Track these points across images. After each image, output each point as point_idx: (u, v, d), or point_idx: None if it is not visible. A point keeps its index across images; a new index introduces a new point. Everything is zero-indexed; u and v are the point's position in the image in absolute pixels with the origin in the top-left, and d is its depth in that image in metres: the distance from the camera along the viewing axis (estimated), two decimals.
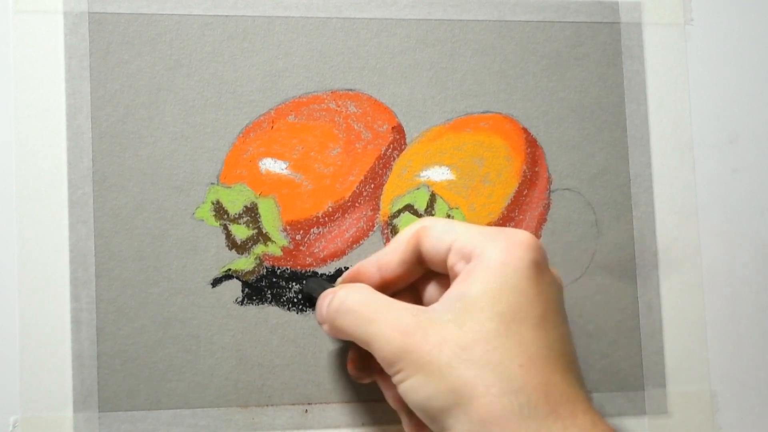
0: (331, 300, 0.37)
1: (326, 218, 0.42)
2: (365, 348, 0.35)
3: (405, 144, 0.43)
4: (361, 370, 0.39)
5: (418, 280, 0.39)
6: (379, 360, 0.35)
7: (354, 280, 0.39)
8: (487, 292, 0.33)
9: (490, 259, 0.34)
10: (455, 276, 0.35)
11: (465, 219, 0.43)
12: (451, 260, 0.35)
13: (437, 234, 0.36)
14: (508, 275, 0.33)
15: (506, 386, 0.31)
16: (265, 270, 0.42)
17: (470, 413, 0.31)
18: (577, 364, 0.34)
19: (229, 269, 0.42)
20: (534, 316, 0.33)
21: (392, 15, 0.44)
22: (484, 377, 0.31)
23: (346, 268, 0.42)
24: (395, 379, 0.34)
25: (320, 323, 0.38)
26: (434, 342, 0.32)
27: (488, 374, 0.31)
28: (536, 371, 0.32)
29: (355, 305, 0.35)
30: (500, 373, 0.31)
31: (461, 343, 0.32)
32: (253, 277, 0.42)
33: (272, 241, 0.42)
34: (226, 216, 0.42)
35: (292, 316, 0.42)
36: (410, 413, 0.36)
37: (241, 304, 0.41)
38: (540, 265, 0.34)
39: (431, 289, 0.38)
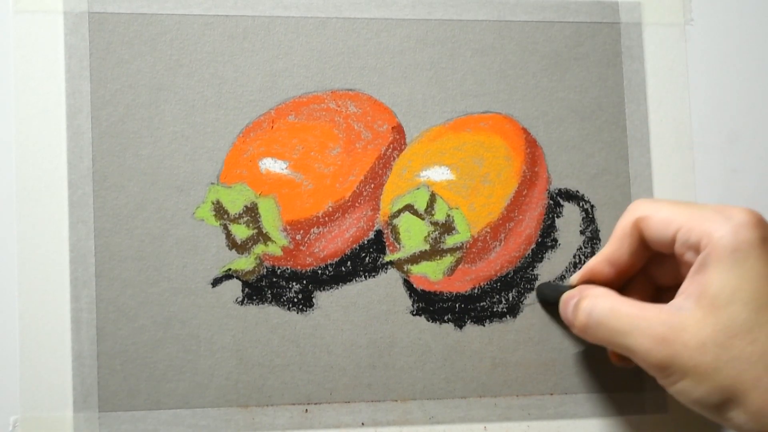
0: (574, 309, 0.38)
1: (326, 218, 0.42)
2: (625, 354, 0.37)
3: (405, 144, 0.43)
4: (623, 360, 0.40)
5: (647, 262, 0.39)
6: (642, 367, 0.36)
7: (589, 279, 0.40)
8: (728, 285, 0.33)
9: (720, 248, 0.34)
10: (686, 264, 0.36)
11: (465, 219, 0.43)
12: (679, 250, 0.36)
13: (658, 226, 0.37)
14: (742, 262, 0.33)
15: None
16: (265, 270, 0.42)
17: (746, 407, 0.33)
18: None
19: (230, 269, 0.42)
20: None
21: (392, 15, 0.44)
22: (751, 371, 0.32)
23: (347, 268, 0.42)
24: (663, 383, 0.35)
25: (569, 326, 0.39)
26: (694, 347, 0.33)
27: (753, 368, 0.32)
28: None
29: (604, 318, 0.36)
30: (765, 363, 0.32)
31: (719, 342, 0.33)
32: (253, 277, 0.42)
33: (272, 241, 0.42)
34: (226, 216, 0.42)
35: (292, 316, 0.42)
36: None
37: (242, 304, 0.41)
38: None
39: (662, 270, 0.39)
